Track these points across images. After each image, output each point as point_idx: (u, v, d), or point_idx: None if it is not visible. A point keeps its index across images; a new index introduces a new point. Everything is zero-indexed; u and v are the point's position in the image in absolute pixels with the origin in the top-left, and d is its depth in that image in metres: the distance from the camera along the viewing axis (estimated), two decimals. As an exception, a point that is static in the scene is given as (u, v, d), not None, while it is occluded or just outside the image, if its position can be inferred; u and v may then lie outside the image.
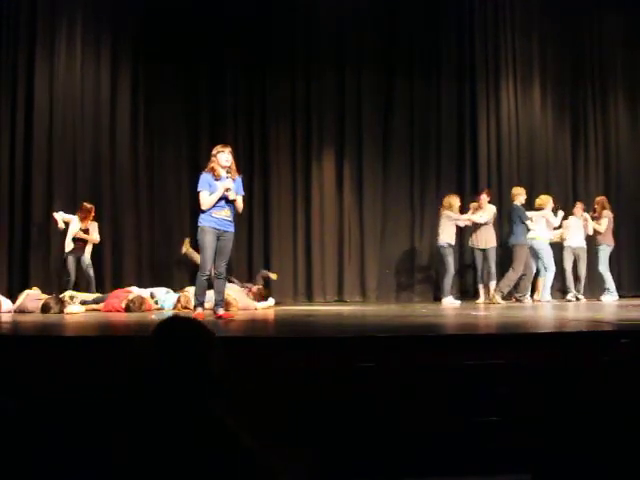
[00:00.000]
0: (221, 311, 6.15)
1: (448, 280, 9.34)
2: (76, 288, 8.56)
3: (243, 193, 6.24)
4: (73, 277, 8.70)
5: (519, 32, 11.07)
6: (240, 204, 6.14)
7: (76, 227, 8.74)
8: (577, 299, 9.79)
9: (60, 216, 8.77)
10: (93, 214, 8.89)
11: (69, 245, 8.74)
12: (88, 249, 8.84)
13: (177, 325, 1.69)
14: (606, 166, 11.32)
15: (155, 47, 9.86)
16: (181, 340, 1.61)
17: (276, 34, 10.29)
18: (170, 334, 1.64)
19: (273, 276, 9.72)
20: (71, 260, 8.71)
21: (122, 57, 9.87)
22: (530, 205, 9.77)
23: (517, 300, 9.41)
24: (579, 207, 10.18)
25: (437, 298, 10.01)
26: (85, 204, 8.86)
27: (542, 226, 9.66)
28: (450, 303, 9.15)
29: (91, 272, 8.77)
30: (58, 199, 9.30)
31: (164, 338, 1.62)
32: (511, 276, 9.27)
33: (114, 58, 9.82)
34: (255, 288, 8.94)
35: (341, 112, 10.55)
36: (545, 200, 9.81)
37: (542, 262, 9.64)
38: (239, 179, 6.19)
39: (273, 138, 10.40)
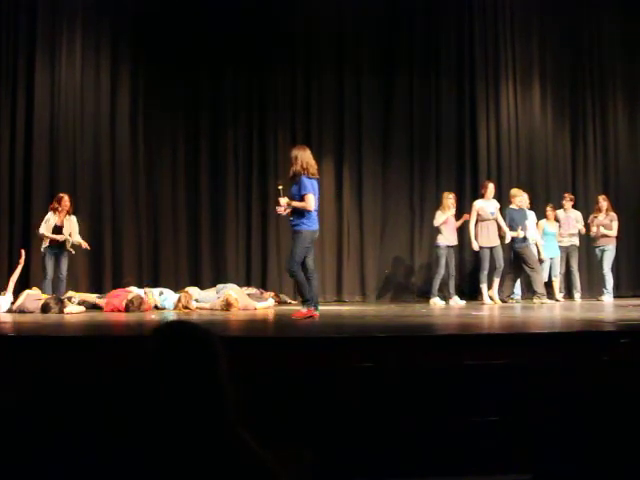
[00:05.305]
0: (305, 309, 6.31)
1: (437, 280, 9.32)
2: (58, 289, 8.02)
3: (303, 192, 6.53)
4: (50, 276, 8.03)
5: (519, 33, 11.05)
6: (299, 204, 6.49)
7: (51, 223, 8.02)
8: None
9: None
10: (69, 205, 8.08)
11: (45, 241, 8.05)
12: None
13: (179, 329, 1.65)
14: (605, 166, 11.31)
15: (155, 47, 9.85)
16: (185, 344, 1.58)
17: (276, 34, 10.27)
18: (174, 338, 1.60)
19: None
20: (48, 258, 8.05)
21: (122, 57, 9.86)
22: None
23: (503, 301, 9.27)
24: (568, 200, 10.05)
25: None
26: (60, 194, 8.17)
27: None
28: (437, 303, 9.16)
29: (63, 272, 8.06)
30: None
31: (168, 342, 1.59)
32: (535, 276, 9.09)
33: (114, 58, 9.82)
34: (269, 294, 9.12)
35: (340, 112, 10.52)
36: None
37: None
38: (301, 179, 6.49)
39: (272, 137, 10.38)
